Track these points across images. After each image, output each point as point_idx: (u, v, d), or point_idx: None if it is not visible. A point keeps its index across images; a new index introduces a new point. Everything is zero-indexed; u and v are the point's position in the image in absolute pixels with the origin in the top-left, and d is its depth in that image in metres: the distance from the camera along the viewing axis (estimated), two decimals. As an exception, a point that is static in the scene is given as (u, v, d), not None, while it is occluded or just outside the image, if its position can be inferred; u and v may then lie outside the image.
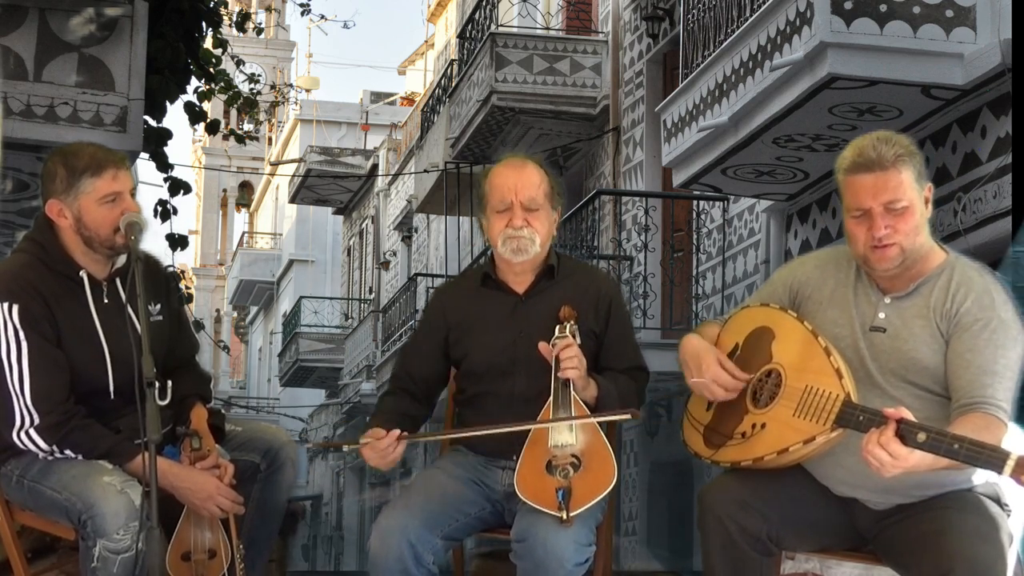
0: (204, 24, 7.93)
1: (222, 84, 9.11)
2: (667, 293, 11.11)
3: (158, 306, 3.47)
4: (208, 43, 8.47)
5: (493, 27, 13.78)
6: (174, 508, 3.37)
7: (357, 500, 24.88)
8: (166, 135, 7.60)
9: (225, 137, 11.83)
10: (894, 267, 3.02)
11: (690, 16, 8.62)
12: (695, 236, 10.91)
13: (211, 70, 8.51)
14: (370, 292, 25.41)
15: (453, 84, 15.67)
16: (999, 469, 2.64)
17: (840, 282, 3.18)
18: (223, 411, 3.66)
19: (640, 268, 11.27)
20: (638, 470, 12.20)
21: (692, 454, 3.26)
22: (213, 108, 11.02)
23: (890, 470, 2.73)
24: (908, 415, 2.74)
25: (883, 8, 6.62)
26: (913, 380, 3.02)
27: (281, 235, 35.80)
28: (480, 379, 3.53)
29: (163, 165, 7.74)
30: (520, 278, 3.55)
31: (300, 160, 26.42)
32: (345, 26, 47.50)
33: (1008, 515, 3.01)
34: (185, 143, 44.11)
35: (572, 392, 3.32)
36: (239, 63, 9.74)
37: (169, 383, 3.30)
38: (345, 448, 3.66)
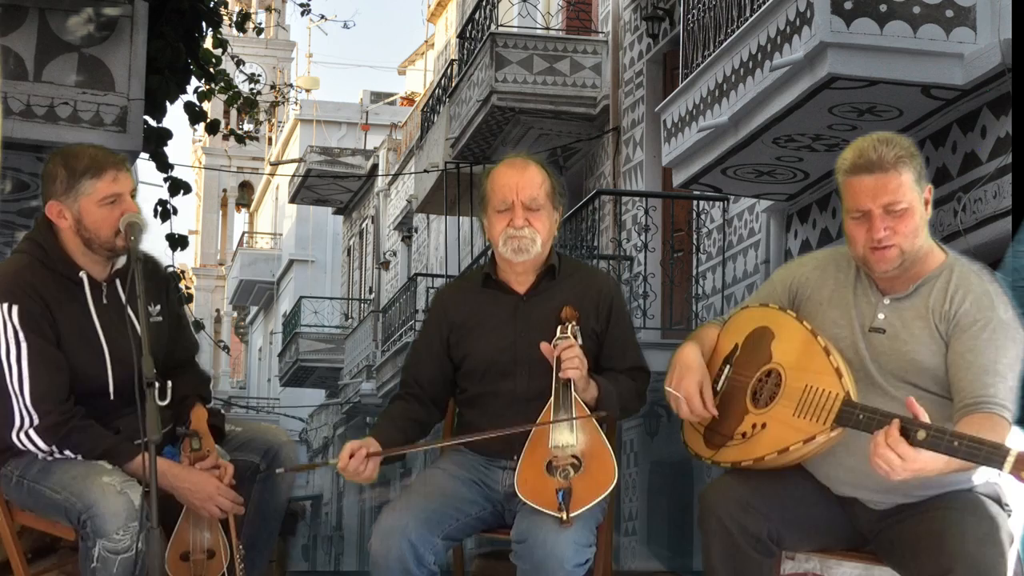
0: (204, 24, 7.93)
1: (222, 84, 9.12)
2: (667, 293, 11.11)
3: (158, 307, 3.47)
4: (208, 43, 8.47)
5: (493, 27, 13.78)
6: (174, 508, 3.37)
7: (357, 500, 24.85)
8: (166, 135, 7.61)
9: (225, 137, 11.83)
10: (893, 268, 3.02)
11: (690, 16, 8.62)
12: (695, 236, 10.91)
13: (211, 70, 8.51)
14: (370, 292, 25.40)
15: (453, 84, 15.67)
16: (999, 465, 2.64)
17: (840, 283, 3.18)
18: (223, 411, 3.66)
19: (640, 268, 11.26)
20: (638, 470, 12.19)
21: (692, 454, 3.25)
22: (213, 108, 11.01)
23: (900, 473, 2.72)
24: (918, 408, 2.74)
25: (883, 8, 6.62)
26: (913, 381, 3.02)
27: (281, 235, 35.76)
28: (481, 379, 3.52)
29: (163, 165, 7.75)
30: (521, 278, 3.54)
31: (300, 160, 26.41)
32: (345, 26, 47.64)
33: (1008, 515, 3.01)
34: (185, 143, 44.07)
35: (573, 393, 3.32)
36: (239, 63, 9.75)
37: (169, 383, 3.30)
38: (318, 467, 3.65)
